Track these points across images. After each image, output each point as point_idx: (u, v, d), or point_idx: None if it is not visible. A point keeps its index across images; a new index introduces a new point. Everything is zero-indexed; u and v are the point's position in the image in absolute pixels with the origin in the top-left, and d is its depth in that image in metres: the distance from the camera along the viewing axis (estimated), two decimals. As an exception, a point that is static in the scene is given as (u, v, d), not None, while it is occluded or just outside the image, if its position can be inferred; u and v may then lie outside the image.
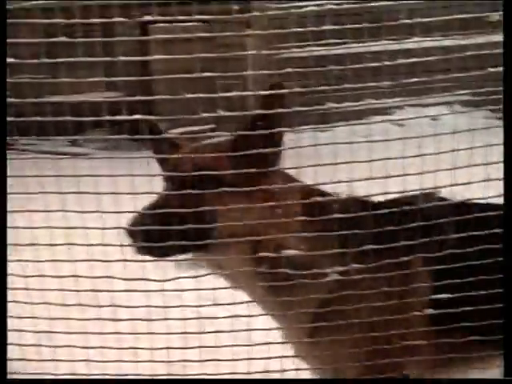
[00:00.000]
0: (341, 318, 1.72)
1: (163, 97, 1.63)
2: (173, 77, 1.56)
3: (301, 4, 6.91)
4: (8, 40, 1.43)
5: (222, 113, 1.54)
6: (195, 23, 2.49)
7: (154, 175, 1.59)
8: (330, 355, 1.78)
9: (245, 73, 1.40)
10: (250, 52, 7.11)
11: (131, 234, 1.65)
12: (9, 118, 1.53)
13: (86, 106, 1.61)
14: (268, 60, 7.51)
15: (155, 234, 1.63)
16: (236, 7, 6.70)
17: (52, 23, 1.48)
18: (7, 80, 1.48)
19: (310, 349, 1.83)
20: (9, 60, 1.47)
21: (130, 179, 1.57)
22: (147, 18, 1.67)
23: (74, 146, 8.20)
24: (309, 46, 1.76)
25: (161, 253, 1.68)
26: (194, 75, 1.50)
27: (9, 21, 1.43)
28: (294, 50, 7.14)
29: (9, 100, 1.50)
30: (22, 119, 1.56)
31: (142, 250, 1.68)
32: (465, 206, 1.81)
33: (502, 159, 1.50)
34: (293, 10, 6.71)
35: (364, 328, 1.73)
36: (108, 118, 1.54)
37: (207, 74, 1.50)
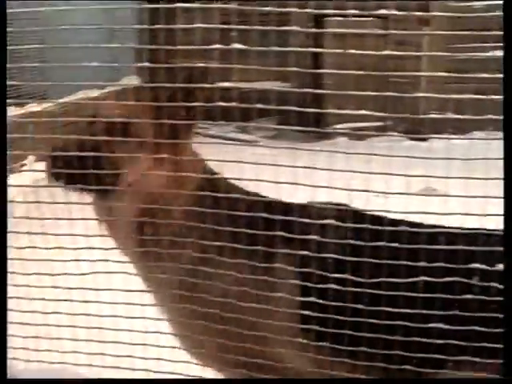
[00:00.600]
0: (198, 292, 1.72)
1: (324, 91, 1.61)
2: (337, 72, 1.54)
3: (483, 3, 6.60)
4: (177, 26, 1.49)
5: (383, 113, 1.49)
6: (371, 18, 2.45)
7: (316, 168, 1.58)
8: (188, 324, 1.77)
9: (416, 73, 1.33)
10: (423, 53, 6.88)
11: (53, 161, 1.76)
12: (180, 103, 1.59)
13: (255, 95, 1.63)
14: (444, 60, 7.24)
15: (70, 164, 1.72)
16: (415, 4, 6.52)
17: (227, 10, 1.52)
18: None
19: (174, 314, 1.84)
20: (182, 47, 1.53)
21: (292, 170, 1.59)
22: (324, 11, 1.65)
23: (243, 132, 8.45)
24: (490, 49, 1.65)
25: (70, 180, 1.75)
26: (364, 72, 1.47)
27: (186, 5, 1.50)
28: (473, 52, 6.80)
29: (180, 85, 1.56)
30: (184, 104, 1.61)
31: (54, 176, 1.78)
32: (377, 220, 1.64)
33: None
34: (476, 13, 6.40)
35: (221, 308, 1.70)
36: (263, 106, 1.56)
37: (377, 73, 1.47)
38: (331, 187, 1.56)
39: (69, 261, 1.90)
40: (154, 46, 1.67)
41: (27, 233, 1.94)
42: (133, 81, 7.05)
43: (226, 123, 1.72)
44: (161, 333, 1.89)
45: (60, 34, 1.86)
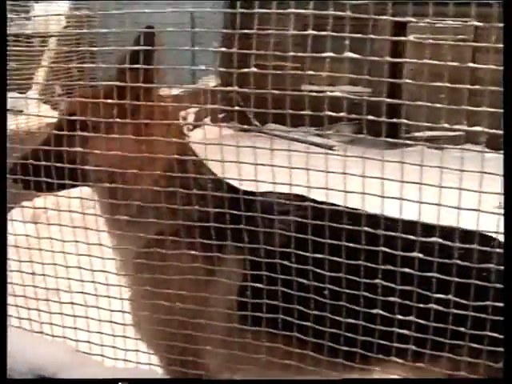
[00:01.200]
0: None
1: (396, 101, 1.57)
2: (411, 82, 1.50)
3: None
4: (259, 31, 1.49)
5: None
6: (452, 24, 2.38)
7: (383, 178, 1.55)
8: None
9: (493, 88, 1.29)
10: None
11: (22, 168, 1.86)
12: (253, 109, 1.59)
13: (332, 99, 1.61)
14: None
15: (39, 171, 1.83)
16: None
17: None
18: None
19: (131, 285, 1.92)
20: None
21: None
22: (407, 18, 1.61)
23: (322, 137, 8.42)
24: None
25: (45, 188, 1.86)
26: (440, 84, 1.43)
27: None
28: None
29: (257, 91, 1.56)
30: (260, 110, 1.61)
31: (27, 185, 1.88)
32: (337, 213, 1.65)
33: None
34: None
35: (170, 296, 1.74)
36: (330, 114, 1.53)
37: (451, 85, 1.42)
38: (402, 198, 1.53)
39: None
40: (224, 50, 1.67)
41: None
42: (211, 81, 7.16)
43: (294, 128, 1.71)
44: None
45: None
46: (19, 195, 2.01)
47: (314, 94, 1.63)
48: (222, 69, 1.89)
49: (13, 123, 4.21)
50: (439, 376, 1.62)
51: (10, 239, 2.07)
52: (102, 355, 2.01)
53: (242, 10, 1.59)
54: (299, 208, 1.73)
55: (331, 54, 1.53)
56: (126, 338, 1.98)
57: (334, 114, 1.56)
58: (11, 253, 2.06)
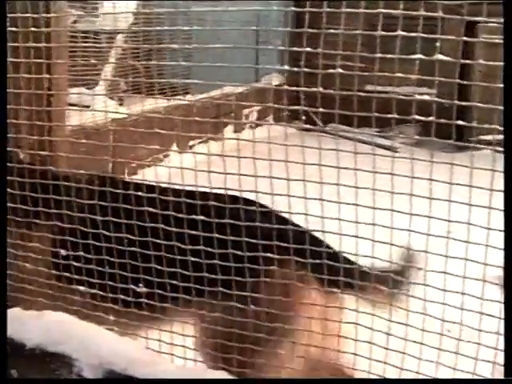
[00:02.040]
0: None
1: (457, 102, 1.52)
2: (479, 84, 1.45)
3: None
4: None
5: None
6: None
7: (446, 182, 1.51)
8: None
9: None
10: None
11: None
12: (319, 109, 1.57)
13: (395, 100, 1.58)
14: None
15: None
16: None
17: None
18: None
19: None
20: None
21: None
22: (476, 18, 1.57)
23: (384, 137, 8.29)
24: None
25: None
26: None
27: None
28: None
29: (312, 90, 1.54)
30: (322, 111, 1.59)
31: None
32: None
33: None
34: None
35: None
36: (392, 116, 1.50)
37: None
38: (470, 204, 1.48)
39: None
40: (284, 48, 1.66)
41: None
42: (274, 79, 7.16)
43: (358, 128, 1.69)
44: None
45: (206, 31, 1.91)
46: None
47: (376, 94, 1.60)
48: (277, 67, 1.87)
49: (79, 118, 4.31)
50: None
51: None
52: (171, 354, 2.02)
53: (308, 9, 1.58)
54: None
55: (389, 56, 1.50)
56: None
57: (389, 115, 1.53)
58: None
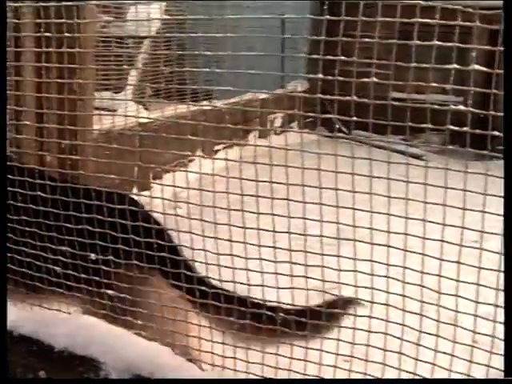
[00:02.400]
0: None
1: (477, 111, 1.50)
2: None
3: None
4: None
5: None
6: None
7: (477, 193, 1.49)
8: None
9: None
10: None
11: None
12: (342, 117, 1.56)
13: (424, 108, 1.57)
14: None
15: None
16: None
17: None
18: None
19: None
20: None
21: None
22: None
23: (411, 145, 8.22)
24: None
25: None
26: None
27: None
28: None
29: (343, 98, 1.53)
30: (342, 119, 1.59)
31: None
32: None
33: None
34: None
35: None
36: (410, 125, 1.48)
37: None
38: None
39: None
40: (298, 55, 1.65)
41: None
42: (299, 85, 7.16)
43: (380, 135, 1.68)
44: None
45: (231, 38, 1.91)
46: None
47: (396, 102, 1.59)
48: (302, 74, 1.86)
49: (105, 122, 4.34)
50: None
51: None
52: (199, 360, 2.02)
53: (327, 17, 1.59)
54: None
55: (425, 65, 1.49)
56: (224, 345, 1.98)
57: (423, 125, 1.52)
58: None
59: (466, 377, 1.64)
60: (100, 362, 1.92)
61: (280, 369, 1.86)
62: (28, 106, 3.72)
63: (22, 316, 2.19)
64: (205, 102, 5.54)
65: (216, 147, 5.36)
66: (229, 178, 1.80)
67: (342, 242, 1.78)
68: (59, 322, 2.09)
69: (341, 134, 2.21)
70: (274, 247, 1.82)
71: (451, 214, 1.57)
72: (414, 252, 1.64)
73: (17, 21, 3.40)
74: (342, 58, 1.59)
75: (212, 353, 1.96)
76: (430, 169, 1.55)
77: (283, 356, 1.87)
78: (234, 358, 1.92)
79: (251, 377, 1.90)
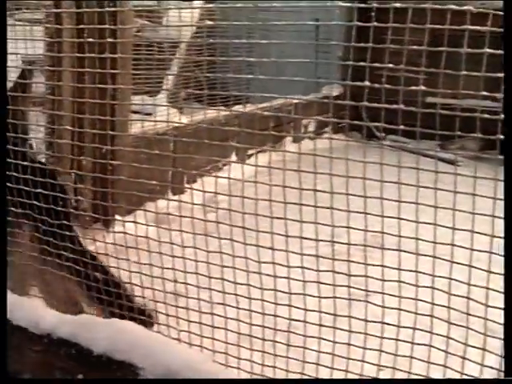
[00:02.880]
0: None
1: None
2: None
3: None
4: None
5: None
6: None
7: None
8: None
9: None
10: None
11: None
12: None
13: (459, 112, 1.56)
14: None
15: None
16: None
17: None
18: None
19: None
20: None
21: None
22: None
23: (443, 150, 8.12)
24: None
25: None
26: None
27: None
28: None
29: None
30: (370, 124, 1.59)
31: None
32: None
33: None
34: None
35: None
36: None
37: None
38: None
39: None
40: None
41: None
42: (334, 90, 7.14)
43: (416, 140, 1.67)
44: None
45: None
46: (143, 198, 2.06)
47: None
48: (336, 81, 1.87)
49: (141, 126, 4.39)
50: None
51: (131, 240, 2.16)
52: (238, 368, 2.02)
53: (356, 23, 1.59)
54: None
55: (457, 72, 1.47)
56: (264, 353, 1.99)
57: (473, 134, 1.51)
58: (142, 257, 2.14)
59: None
60: (138, 367, 1.90)
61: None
62: (65, 110, 3.79)
63: (62, 319, 2.19)
64: (238, 106, 5.57)
65: (250, 151, 5.38)
66: (270, 184, 1.81)
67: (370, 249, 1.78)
68: (99, 326, 2.08)
69: (374, 139, 2.20)
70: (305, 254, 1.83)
71: (481, 221, 1.57)
72: (443, 259, 1.64)
73: (58, 26, 3.45)
74: (390, 65, 1.59)
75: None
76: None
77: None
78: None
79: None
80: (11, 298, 2.32)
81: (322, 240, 1.78)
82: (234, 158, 5.22)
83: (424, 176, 1.60)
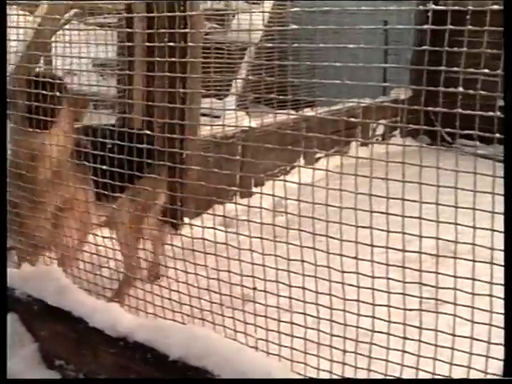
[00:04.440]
0: None
1: None
2: None
3: None
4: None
5: None
6: None
7: None
8: None
9: None
10: None
11: None
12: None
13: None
14: None
15: None
16: None
17: None
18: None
19: None
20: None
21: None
22: None
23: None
24: None
25: None
26: None
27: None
28: None
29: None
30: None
31: None
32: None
33: None
34: None
35: None
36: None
37: None
38: None
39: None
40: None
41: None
42: (402, 93, 7.02)
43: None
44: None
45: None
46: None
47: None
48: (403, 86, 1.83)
49: (210, 129, 4.43)
50: None
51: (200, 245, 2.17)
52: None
53: (429, 27, 1.56)
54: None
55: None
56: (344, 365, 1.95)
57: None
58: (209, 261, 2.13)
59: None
60: (214, 374, 1.90)
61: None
62: (136, 112, 3.85)
63: (138, 323, 2.21)
64: (307, 109, 5.53)
65: (318, 155, 5.35)
66: (340, 190, 1.79)
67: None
68: (175, 331, 2.08)
69: (444, 143, 2.15)
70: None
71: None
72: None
73: (129, 30, 3.52)
74: (467, 70, 1.56)
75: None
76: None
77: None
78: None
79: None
80: (89, 300, 2.35)
81: (392, 248, 1.75)
82: (301, 161, 5.19)
83: (498, 181, 1.54)
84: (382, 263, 1.77)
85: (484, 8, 1.52)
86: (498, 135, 1.51)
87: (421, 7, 2.08)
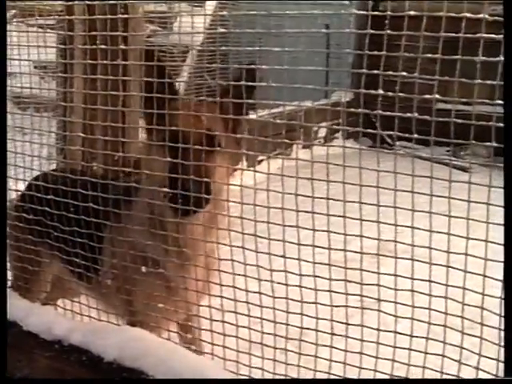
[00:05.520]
0: None
1: None
2: None
3: None
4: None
5: None
6: None
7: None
8: None
9: None
10: None
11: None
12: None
13: (466, 119, 1.55)
14: None
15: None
16: None
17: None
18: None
19: None
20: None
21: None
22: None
23: (455, 157, 8.10)
24: None
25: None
26: None
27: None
28: None
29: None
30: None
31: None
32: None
33: None
34: None
35: None
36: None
37: None
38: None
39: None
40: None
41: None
42: (343, 96, 7.13)
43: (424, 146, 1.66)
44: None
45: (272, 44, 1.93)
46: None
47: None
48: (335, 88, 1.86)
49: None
50: None
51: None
52: (249, 376, 2.00)
53: (369, 31, 1.59)
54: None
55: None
56: (275, 361, 1.98)
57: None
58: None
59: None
60: (149, 375, 1.91)
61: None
62: (76, 116, 3.79)
63: (73, 326, 2.21)
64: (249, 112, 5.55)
65: (260, 157, 5.39)
66: (282, 192, 1.80)
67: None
68: (109, 333, 2.08)
69: (385, 145, 2.19)
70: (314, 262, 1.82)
71: (494, 228, 1.55)
72: (457, 268, 1.63)
73: (70, 33, 3.46)
74: (404, 73, 1.59)
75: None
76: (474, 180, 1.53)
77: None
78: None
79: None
80: (23, 303, 2.32)
81: (333, 249, 1.77)
82: (244, 164, 5.22)
83: (437, 182, 1.59)
84: (324, 263, 1.81)
85: (422, 13, 1.55)
86: (433, 138, 1.55)
87: (360, 11, 2.09)
